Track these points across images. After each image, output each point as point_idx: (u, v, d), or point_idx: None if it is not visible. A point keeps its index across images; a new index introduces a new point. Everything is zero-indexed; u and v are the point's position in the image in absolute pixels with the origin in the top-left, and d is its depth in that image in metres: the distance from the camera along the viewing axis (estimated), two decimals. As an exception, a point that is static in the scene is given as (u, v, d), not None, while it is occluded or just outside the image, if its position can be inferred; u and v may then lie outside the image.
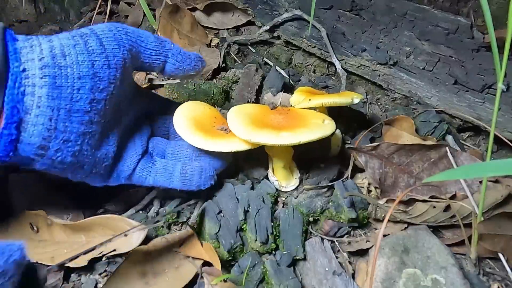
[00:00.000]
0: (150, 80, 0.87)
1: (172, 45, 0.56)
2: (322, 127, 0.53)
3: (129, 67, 0.52)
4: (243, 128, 0.53)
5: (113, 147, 0.53)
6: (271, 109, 0.59)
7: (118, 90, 0.50)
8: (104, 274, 0.55)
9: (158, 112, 0.65)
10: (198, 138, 0.54)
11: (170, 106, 0.64)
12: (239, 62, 0.97)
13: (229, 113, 0.57)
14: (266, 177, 0.64)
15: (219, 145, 0.54)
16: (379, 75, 0.85)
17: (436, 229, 0.61)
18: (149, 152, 0.60)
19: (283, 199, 0.63)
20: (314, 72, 0.97)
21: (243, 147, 0.54)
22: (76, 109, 0.46)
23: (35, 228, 0.57)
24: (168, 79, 0.87)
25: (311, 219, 0.61)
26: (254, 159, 0.65)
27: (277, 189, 0.63)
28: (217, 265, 0.53)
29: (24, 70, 0.42)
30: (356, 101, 0.64)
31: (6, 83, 0.41)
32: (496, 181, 0.59)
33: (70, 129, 0.46)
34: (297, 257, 0.56)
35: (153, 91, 0.82)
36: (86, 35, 0.48)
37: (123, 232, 0.53)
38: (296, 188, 0.63)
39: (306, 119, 0.56)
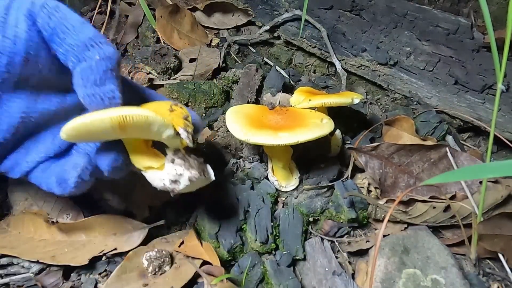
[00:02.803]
0: (151, 80, 0.87)
1: (103, 48, 0.42)
2: (321, 126, 0.53)
3: (41, 50, 0.42)
4: (241, 129, 0.53)
5: (3, 132, 0.44)
6: (270, 109, 0.59)
7: (19, 71, 0.41)
8: (104, 273, 0.55)
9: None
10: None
11: (150, 99, 0.54)
12: (239, 62, 0.97)
13: (227, 113, 0.57)
14: (266, 177, 0.64)
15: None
16: (379, 75, 0.85)
17: (436, 230, 0.61)
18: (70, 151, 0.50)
19: (283, 199, 0.63)
20: (314, 72, 0.97)
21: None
22: None
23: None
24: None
25: (311, 219, 0.61)
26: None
27: (277, 189, 0.63)
28: (217, 265, 0.53)
29: None
30: (356, 101, 0.64)
31: None
32: (496, 182, 0.59)
33: None
34: (297, 257, 0.56)
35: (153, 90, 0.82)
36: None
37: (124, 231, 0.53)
38: (296, 188, 0.63)
39: (304, 118, 0.56)
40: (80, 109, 0.46)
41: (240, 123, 0.54)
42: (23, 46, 0.41)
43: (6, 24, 0.40)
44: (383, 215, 0.61)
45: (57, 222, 0.58)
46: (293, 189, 0.63)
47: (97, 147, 0.47)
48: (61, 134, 0.40)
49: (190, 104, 0.81)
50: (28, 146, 0.48)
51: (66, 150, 0.49)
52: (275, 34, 0.98)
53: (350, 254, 0.60)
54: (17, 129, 0.45)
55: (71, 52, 0.41)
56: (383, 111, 0.87)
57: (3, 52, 0.40)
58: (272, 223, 0.58)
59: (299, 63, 0.97)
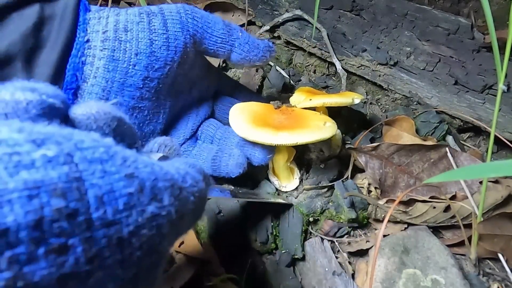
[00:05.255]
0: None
1: (240, 33, 0.55)
2: (322, 130, 0.53)
3: (190, 52, 0.52)
4: (242, 125, 0.53)
5: (161, 124, 0.55)
6: (275, 108, 0.60)
7: (175, 72, 0.51)
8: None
9: (225, 94, 0.65)
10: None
11: (240, 91, 0.67)
12: (240, 62, 0.97)
13: (232, 109, 0.57)
14: (266, 177, 0.64)
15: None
16: (380, 75, 0.85)
17: (436, 230, 0.61)
18: (196, 135, 0.62)
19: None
20: (314, 72, 0.97)
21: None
22: (129, 84, 0.48)
23: None
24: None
25: (311, 219, 0.61)
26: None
27: (277, 189, 0.63)
28: (217, 265, 0.53)
29: (87, 41, 0.45)
30: (357, 101, 0.64)
31: (70, 51, 0.44)
32: (496, 182, 0.59)
33: (121, 102, 0.48)
34: (297, 257, 0.56)
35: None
36: (153, 14, 0.49)
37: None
38: (296, 188, 0.63)
39: (307, 120, 0.56)
40: (198, 100, 0.61)
41: (243, 120, 0.55)
42: (181, 53, 0.50)
43: (169, 40, 0.49)
44: (383, 215, 0.61)
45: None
46: (293, 189, 0.63)
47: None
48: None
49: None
50: (171, 133, 0.59)
51: (194, 133, 0.61)
52: (275, 34, 0.98)
53: (350, 254, 0.60)
54: (168, 121, 0.56)
55: (222, 40, 0.53)
56: (383, 111, 0.87)
57: (167, 62, 0.49)
58: (272, 223, 0.58)
59: (299, 63, 0.97)
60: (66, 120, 0.23)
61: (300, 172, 0.64)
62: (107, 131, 0.25)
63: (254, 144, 0.57)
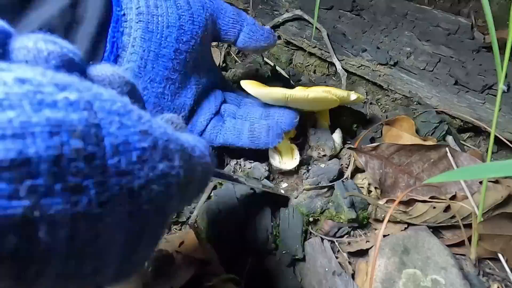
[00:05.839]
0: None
1: (247, 15, 0.62)
2: (332, 93, 0.60)
3: (209, 29, 0.58)
4: (258, 87, 0.59)
5: (191, 100, 0.59)
6: None
7: (198, 48, 0.56)
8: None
9: (228, 89, 0.71)
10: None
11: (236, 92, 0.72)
12: (240, 62, 0.97)
13: (242, 81, 0.61)
14: (267, 177, 0.64)
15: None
16: (380, 76, 0.85)
17: (436, 230, 0.61)
18: (221, 113, 0.65)
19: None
20: (314, 72, 0.97)
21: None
22: (163, 54, 0.53)
23: None
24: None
25: (311, 219, 0.61)
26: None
27: (275, 169, 0.64)
28: (217, 265, 0.53)
29: (124, 14, 0.50)
30: (353, 97, 0.64)
31: (106, 27, 0.49)
32: (496, 182, 0.59)
33: (156, 71, 0.53)
34: (297, 257, 0.56)
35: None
36: None
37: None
38: (296, 189, 0.63)
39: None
40: (212, 86, 0.66)
41: (257, 85, 0.60)
42: (203, 28, 0.56)
43: (193, 15, 0.54)
44: (383, 215, 0.61)
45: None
46: (292, 168, 0.64)
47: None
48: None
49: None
50: (198, 112, 0.63)
51: (218, 111, 0.65)
52: (275, 34, 0.98)
53: (350, 254, 0.60)
54: (196, 98, 0.61)
55: (233, 20, 0.59)
56: (383, 111, 0.87)
57: (193, 36, 0.55)
58: (272, 223, 0.58)
59: (299, 63, 0.97)
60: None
61: (300, 172, 0.64)
62: (121, 94, 0.25)
63: (278, 111, 0.61)
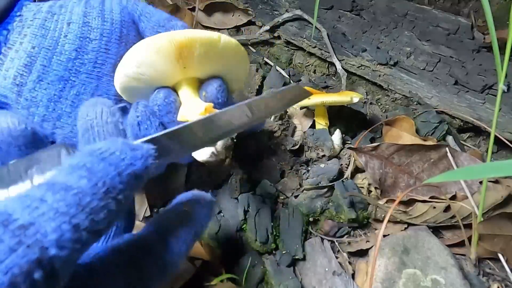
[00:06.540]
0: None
1: (179, 22, 0.55)
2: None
3: (131, 32, 0.52)
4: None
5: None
6: None
7: (115, 50, 0.50)
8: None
9: None
10: None
11: None
12: (240, 62, 0.97)
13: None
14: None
15: None
16: (380, 75, 0.85)
17: (436, 230, 0.61)
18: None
19: (283, 199, 0.63)
20: (314, 72, 0.97)
21: None
22: (60, 52, 0.47)
23: None
24: None
25: (311, 219, 0.61)
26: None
27: (276, 191, 0.63)
28: (217, 265, 0.53)
29: (20, 15, 0.47)
30: (356, 100, 0.64)
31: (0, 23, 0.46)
32: (496, 182, 0.59)
33: (48, 69, 0.47)
34: (297, 257, 0.56)
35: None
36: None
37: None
38: (297, 189, 0.63)
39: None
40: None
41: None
42: (119, 26, 0.51)
43: (103, 12, 0.50)
44: (383, 215, 0.61)
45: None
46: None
47: None
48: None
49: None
50: None
51: None
52: (275, 34, 0.98)
53: (350, 254, 0.60)
54: None
55: (158, 25, 0.53)
56: (383, 111, 0.87)
57: (103, 34, 0.49)
58: (272, 223, 0.58)
59: (299, 63, 0.97)
60: None
61: (299, 172, 0.64)
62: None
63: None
